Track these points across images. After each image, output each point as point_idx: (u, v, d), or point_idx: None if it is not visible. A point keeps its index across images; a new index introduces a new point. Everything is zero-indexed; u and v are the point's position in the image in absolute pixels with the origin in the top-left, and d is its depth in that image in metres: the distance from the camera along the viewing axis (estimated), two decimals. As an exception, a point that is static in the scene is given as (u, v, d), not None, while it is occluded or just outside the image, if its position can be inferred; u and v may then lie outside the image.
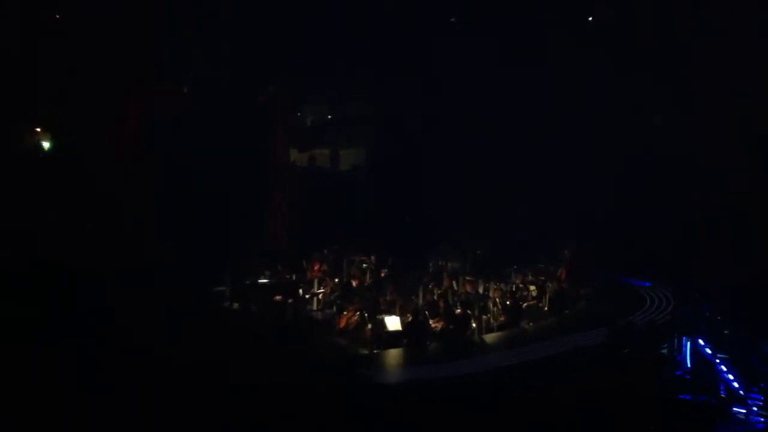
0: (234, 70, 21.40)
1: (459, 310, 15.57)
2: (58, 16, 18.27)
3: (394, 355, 13.67)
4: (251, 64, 21.57)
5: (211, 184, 19.43)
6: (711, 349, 13.59)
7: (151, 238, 17.82)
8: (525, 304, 17.10)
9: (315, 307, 17.37)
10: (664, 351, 14.02)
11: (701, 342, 13.69)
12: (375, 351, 13.80)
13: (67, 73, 17.57)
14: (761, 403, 12.53)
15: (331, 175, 27.66)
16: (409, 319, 14.71)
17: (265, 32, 20.88)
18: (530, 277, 18.78)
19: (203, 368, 10.50)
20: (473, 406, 10.65)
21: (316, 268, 18.89)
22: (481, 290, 17.47)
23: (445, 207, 23.25)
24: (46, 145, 18.89)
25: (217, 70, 21.26)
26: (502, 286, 17.76)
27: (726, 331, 14.50)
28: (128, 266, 15.96)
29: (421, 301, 16.76)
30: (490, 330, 15.69)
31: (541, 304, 17.34)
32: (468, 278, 17.96)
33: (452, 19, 23.42)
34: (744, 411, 12.52)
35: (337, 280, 18.10)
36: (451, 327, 14.83)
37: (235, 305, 16.70)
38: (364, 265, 19.67)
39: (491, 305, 16.48)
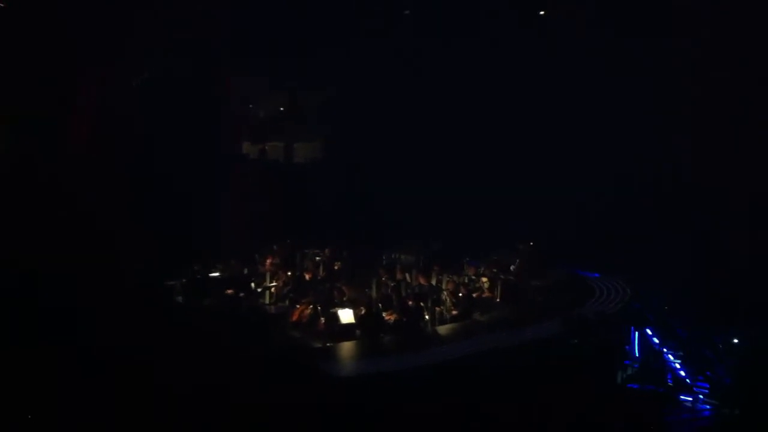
0: (184, 61, 21.07)
1: (412, 303, 15.60)
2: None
3: (347, 348, 13.66)
4: (202, 54, 21.29)
5: (160, 178, 19.13)
6: (659, 339, 13.86)
7: (101, 233, 17.47)
8: (476, 295, 17.23)
9: (268, 300, 17.23)
10: (614, 341, 14.23)
11: (649, 332, 13.95)
12: (328, 344, 13.75)
13: (13, 64, 17.09)
14: (707, 391, 12.81)
15: (284, 168, 27.46)
16: (363, 311, 14.73)
17: (217, 23, 20.63)
18: (483, 269, 18.88)
19: (159, 367, 10.36)
20: (426, 397, 10.71)
21: (268, 261, 18.74)
22: (434, 282, 17.50)
23: (400, 200, 23.24)
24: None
25: (167, 61, 20.91)
26: (455, 278, 17.86)
27: (673, 322, 14.78)
28: (79, 263, 15.61)
29: (374, 294, 16.75)
30: (443, 322, 15.75)
31: (493, 296, 17.47)
32: (424, 270, 17.99)
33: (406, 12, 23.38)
34: (690, 399, 12.79)
35: (290, 273, 17.99)
36: (405, 319, 14.86)
37: (187, 300, 16.48)
38: (318, 258, 19.59)
39: (444, 297, 16.54)
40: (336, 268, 18.88)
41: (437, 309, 15.95)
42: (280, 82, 24.99)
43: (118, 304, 13.38)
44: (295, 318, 15.32)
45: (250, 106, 26.70)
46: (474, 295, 17.12)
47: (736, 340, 13.41)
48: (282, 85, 25.45)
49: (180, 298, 16.66)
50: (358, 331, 14.28)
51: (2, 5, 17.69)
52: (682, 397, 12.92)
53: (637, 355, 13.82)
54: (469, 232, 21.78)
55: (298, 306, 15.63)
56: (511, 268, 19.29)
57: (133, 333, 11.73)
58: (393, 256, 20.64)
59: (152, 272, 16.78)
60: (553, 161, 22.78)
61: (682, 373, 13.30)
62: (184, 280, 16.93)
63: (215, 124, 22.31)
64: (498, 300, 17.40)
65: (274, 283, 17.58)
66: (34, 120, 17.32)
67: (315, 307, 15.18)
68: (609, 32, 21.37)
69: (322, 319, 14.79)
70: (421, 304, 15.65)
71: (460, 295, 16.67)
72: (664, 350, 13.70)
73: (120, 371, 10.11)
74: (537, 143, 22.92)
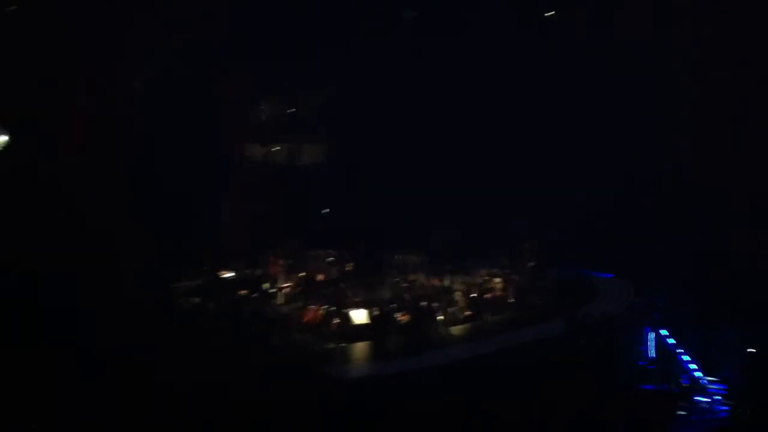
0: (189, 65, 21.05)
1: (424, 303, 15.59)
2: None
3: (360, 348, 13.68)
4: (206, 58, 21.27)
5: (170, 181, 19.13)
6: (674, 340, 13.82)
7: (110, 237, 17.46)
8: (488, 295, 17.23)
9: (280, 302, 17.24)
10: (621, 341, 14.23)
11: (664, 333, 13.92)
12: (341, 345, 13.76)
13: (14, 64, 17.07)
14: (723, 392, 12.78)
15: (291, 170, 27.43)
16: (375, 312, 14.73)
17: (220, 25, 20.62)
18: (494, 270, 18.88)
19: (160, 367, 10.34)
20: (437, 397, 10.71)
21: (280, 263, 18.75)
22: (446, 283, 17.52)
23: (400, 200, 23.20)
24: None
25: (173, 66, 20.88)
26: (467, 279, 17.87)
27: (686, 323, 14.74)
28: (87, 266, 15.59)
29: (386, 295, 16.75)
30: (455, 322, 15.76)
31: (505, 297, 17.47)
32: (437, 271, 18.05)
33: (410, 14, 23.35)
34: (705, 399, 12.76)
35: (302, 274, 17.99)
36: (417, 320, 14.86)
37: (199, 301, 16.49)
38: (330, 259, 19.56)
39: (456, 298, 16.54)
40: (348, 269, 18.87)
41: (449, 309, 15.95)
42: (280, 82, 24.97)
43: (118, 304, 13.36)
44: (307, 319, 15.33)
45: (254, 108, 26.68)
46: (486, 296, 17.13)
47: (751, 349, 13.35)
48: (282, 85, 25.41)
49: (191, 299, 16.69)
50: (370, 332, 14.28)
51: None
52: (697, 397, 12.88)
53: (652, 355, 13.79)
54: (469, 232, 21.76)
55: (310, 307, 15.62)
56: (527, 266, 19.24)
57: (133, 333, 11.69)
58: (405, 257, 20.61)
59: (154, 272, 16.77)
60: (553, 161, 22.80)
61: (697, 373, 13.26)
62: (197, 281, 16.94)
63: (217, 125, 22.29)
64: (509, 300, 17.41)
65: (286, 284, 17.59)
66: (34, 120, 17.32)
67: (327, 308, 15.17)
68: (609, 32, 21.33)
69: (335, 320, 14.78)
70: (434, 304, 15.64)
71: (472, 296, 16.68)
72: (679, 351, 13.66)
73: (120, 371, 10.08)
74: (537, 143, 22.92)
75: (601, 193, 21.49)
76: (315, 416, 9.83)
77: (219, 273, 17.58)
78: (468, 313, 16.03)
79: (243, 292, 16.56)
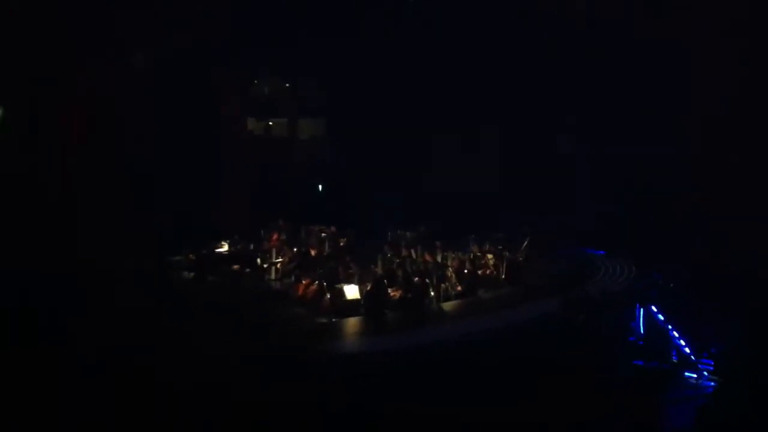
0: (188, 40, 20.97)
1: (417, 279, 15.62)
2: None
3: (352, 323, 13.74)
4: (206, 33, 21.19)
5: (167, 155, 19.11)
6: (664, 316, 13.83)
7: (107, 211, 17.43)
8: (481, 272, 17.27)
9: (273, 276, 17.30)
10: (618, 318, 14.23)
11: (654, 309, 13.92)
12: (333, 320, 13.82)
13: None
14: (711, 368, 12.81)
15: (289, 145, 27.41)
16: (368, 288, 14.77)
17: (217, 21, 20.58)
18: (487, 247, 18.89)
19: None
20: (431, 374, 10.75)
21: (274, 237, 18.78)
22: (439, 259, 17.54)
23: (402, 180, 23.20)
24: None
25: (170, 40, 20.79)
26: (460, 255, 17.89)
27: (678, 299, 14.75)
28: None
29: (379, 270, 16.78)
30: (447, 298, 15.80)
31: (498, 273, 17.50)
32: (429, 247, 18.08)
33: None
34: (695, 376, 12.80)
35: (295, 249, 18.02)
36: (410, 296, 14.90)
37: (193, 275, 16.55)
38: (323, 234, 19.59)
39: (449, 274, 16.57)
40: (341, 244, 18.90)
41: (442, 286, 15.99)
42: (274, 65, 25.07)
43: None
44: (300, 294, 15.37)
45: (255, 82, 26.66)
46: (479, 272, 17.17)
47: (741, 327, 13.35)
48: (276, 68, 25.50)
49: (186, 273, 16.75)
50: (363, 307, 14.34)
51: None
52: (686, 374, 12.92)
53: (641, 331, 13.81)
54: (464, 213, 21.78)
55: (303, 282, 15.66)
56: (523, 246, 19.24)
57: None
58: (398, 233, 20.63)
59: (154, 263, 16.75)
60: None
61: (687, 349, 13.29)
62: (190, 256, 16.99)
63: (214, 103, 22.24)
64: (503, 277, 17.45)
65: (279, 259, 17.64)
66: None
67: (320, 283, 15.20)
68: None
69: (327, 295, 14.81)
70: (426, 280, 15.66)
71: (465, 272, 16.72)
72: (669, 327, 13.68)
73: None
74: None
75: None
76: (308, 390, 9.86)
77: (213, 248, 17.63)
78: (459, 288, 16.09)
79: (236, 267, 16.63)
